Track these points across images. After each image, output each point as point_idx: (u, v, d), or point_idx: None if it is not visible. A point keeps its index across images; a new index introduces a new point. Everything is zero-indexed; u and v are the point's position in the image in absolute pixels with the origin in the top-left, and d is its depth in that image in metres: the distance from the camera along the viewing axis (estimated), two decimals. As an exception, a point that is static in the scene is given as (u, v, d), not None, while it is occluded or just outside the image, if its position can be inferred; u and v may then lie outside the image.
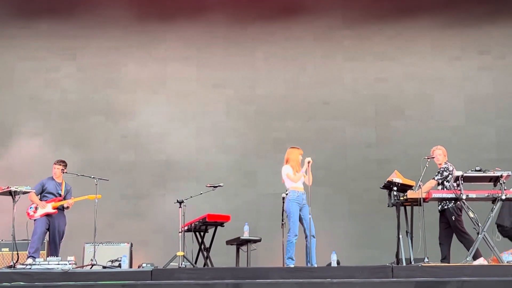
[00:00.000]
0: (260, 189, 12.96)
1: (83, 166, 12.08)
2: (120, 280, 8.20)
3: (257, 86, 13.50)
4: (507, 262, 8.85)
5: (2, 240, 11.04)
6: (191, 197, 10.18)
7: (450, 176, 9.56)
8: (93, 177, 10.11)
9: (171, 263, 9.93)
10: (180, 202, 9.99)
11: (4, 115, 13.29)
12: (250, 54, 13.58)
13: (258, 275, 8.25)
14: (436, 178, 9.61)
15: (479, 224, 9.02)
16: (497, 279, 8.00)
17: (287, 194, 9.42)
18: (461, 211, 9.47)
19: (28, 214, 10.11)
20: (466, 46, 13.53)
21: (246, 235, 10.37)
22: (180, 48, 13.61)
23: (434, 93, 13.38)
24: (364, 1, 13.71)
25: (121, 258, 9.93)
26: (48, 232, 10.21)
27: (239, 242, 10.61)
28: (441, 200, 9.52)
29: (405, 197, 9.34)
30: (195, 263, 10.50)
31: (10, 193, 9.44)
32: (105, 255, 10.51)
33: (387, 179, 9.42)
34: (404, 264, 9.14)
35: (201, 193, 10.52)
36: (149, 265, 9.51)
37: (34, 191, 9.98)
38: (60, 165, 10.43)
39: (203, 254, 10.65)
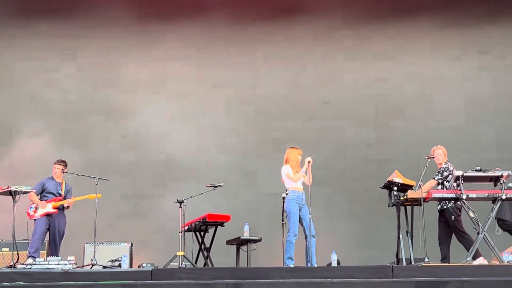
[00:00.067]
0: (260, 189, 12.96)
1: (83, 166, 12.10)
2: (120, 280, 8.20)
3: (257, 86, 13.50)
4: (507, 262, 8.84)
5: (2, 240, 11.04)
6: (191, 197, 10.19)
7: (450, 176, 9.56)
8: (93, 177, 10.12)
9: (171, 263, 9.94)
10: (180, 202, 10.00)
11: (4, 115, 13.29)
12: (250, 54, 13.58)
13: (258, 275, 8.25)
14: (436, 178, 9.61)
15: (479, 224, 9.02)
16: (497, 279, 8.00)
17: (287, 194, 9.42)
18: (460, 211, 9.47)
19: (28, 214, 10.11)
20: (466, 46, 13.53)
21: (246, 235, 10.37)
22: (180, 48, 13.61)
23: (434, 93, 13.38)
24: (364, 1, 13.71)
25: (121, 258, 9.94)
26: (48, 232, 10.21)
27: (239, 242, 10.61)
28: (440, 200, 9.52)
29: (405, 197, 9.34)
30: (195, 263, 10.50)
31: (10, 193, 9.44)
32: (105, 255, 10.51)
33: (387, 179, 9.42)
34: (404, 264, 9.14)
35: (201, 193, 10.52)
36: (149, 265, 9.51)
37: (34, 191, 9.98)
38: (60, 165, 10.43)
39: (203, 254, 10.65)
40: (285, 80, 13.49)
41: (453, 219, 9.45)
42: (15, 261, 9.33)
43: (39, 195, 10.20)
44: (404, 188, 9.35)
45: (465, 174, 9.15)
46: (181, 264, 9.52)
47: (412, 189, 9.35)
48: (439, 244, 9.62)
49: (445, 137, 12.45)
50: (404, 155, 12.88)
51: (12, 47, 13.55)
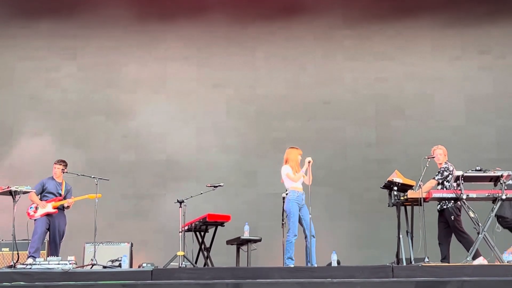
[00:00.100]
0: (260, 189, 12.96)
1: (83, 166, 12.11)
2: (121, 280, 8.19)
3: (257, 86, 13.49)
4: (507, 262, 8.84)
5: (2, 240, 11.04)
6: (192, 197, 10.19)
7: (450, 176, 9.56)
8: (93, 177, 10.12)
9: (171, 263, 9.94)
10: (181, 202, 10.00)
11: (5, 115, 13.29)
12: (250, 53, 13.58)
13: (258, 275, 8.25)
14: (436, 178, 9.61)
15: (479, 224, 9.02)
16: (497, 279, 7.99)
17: (287, 194, 9.42)
18: (460, 211, 9.47)
19: (29, 214, 10.10)
20: (466, 46, 13.53)
21: (246, 235, 10.37)
22: (180, 48, 13.61)
23: (434, 93, 13.38)
24: (364, 1, 13.71)
25: (121, 258, 9.93)
26: (48, 232, 10.21)
27: (240, 242, 10.61)
28: (440, 200, 9.52)
29: (405, 197, 9.34)
30: (196, 263, 10.50)
31: (10, 193, 9.44)
32: (106, 255, 10.51)
33: (388, 179, 9.42)
34: (405, 264, 9.14)
35: (202, 193, 10.52)
36: (149, 265, 9.51)
37: (34, 191, 9.98)
38: (61, 164, 10.42)
39: (203, 254, 10.65)
40: (285, 80, 13.50)
41: (452, 219, 9.46)
42: (15, 261, 9.33)
43: (39, 195, 10.20)
44: (404, 188, 9.35)
45: (465, 174, 9.15)
46: (181, 264, 9.52)
47: (412, 189, 9.35)
48: (439, 244, 9.62)
49: (445, 137, 12.44)
50: (404, 155, 12.88)
51: (12, 47, 13.55)
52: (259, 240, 10.55)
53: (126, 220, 12.76)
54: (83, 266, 10.10)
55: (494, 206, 9.14)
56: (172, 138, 13.29)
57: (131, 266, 10.71)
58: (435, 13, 13.59)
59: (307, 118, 13.34)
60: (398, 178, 9.35)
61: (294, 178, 9.40)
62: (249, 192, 13.00)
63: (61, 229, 10.24)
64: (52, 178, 10.40)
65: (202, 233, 10.76)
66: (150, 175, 13.11)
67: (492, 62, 13.45)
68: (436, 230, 9.71)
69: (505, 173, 9.17)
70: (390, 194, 9.47)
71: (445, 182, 9.62)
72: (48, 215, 10.10)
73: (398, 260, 9.33)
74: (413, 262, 9.18)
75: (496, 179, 9.22)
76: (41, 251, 10.21)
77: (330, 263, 9.98)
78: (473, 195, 9.18)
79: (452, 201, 9.42)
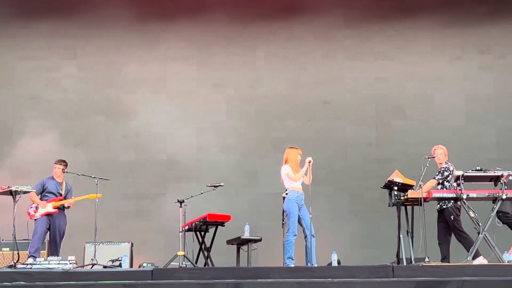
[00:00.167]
0: (260, 188, 12.96)
1: (83, 166, 12.09)
2: (121, 279, 8.20)
3: (258, 85, 13.50)
4: (507, 262, 8.84)
5: (2, 240, 11.02)
6: (192, 196, 10.18)
7: (450, 176, 9.56)
8: (94, 177, 10.11)
9: (171, 263, 9.93)
10: (181, 202, 9.99)
11: (5, 115, 13.29)
12: (250, 53, 13.58)
13: (258, 274, 8.25)
14: (437, 178, 9.61)
15: (480, 224, 9.02)
16: (497, 279, 8.00)
17: (286, 194, 9.42)
18: (459, 210, 9.47)
19: (29, 213, 10.10)
20: (467, 45, 13.53)
21: (246, 235, 10.37)
22: (180, 48, 13.61)
23: (435, 93, 13.38)
24: (364, 1, 13.71)
25: (121, 257, 9.91)
26: (48, 232, 10.20)
27: (240, 242, 10.61)
28: (440, 199, 9.52)
29: (405, 197, 9.34)
30: (196, 262, 10.51)
31: (10, 192, 9.43)
32: (106, 254, 10.49)
33: (388, 179, 9.42)
34: (405, 263, 9.13)
35: (202, 193, 10.51)
36: (149, 264, 9.49)
37: (35, 190, 9.97)
38: (61, 164, 10.42)
39: (203, 254, 10.65)
40: (285, 79, 13.50)
41: (452, 219, 9.46)
42: (15, 261, 9.33)
43: (40, 195, 10.20)
44: (404, 188, 9.35)
45: (466, 174, 9.15)
46: (182, 264, 9.51)
47: (413, 189, 9.35)
48: (439, 244, 9.62)
49: (446, 137, 12.43)
50: (404, 154, 12.88)
51: (13, 47, 13.54)
52: (260, 240, 10.55)
53: (126, 220, 12.76)
54: (83, 266, 10.10)
55: (494, 206, 9.14)
56: (173, 138, 13.29)
57: (131, 266, 10.70)
58: (435, 13, 13.59)
59: (307, 118, 13.34)
60: (398, 178, 9.35)
61: (294, 178, 9.40)
62: (250, 192, 13.00)
63: (61, 229, 10.23)
64: (53, 178, 10.39)
65: (203, 233, 10.76)
66: (150, 175, 13.11)
67: (492, 62, 13.46)
68: (436, 230, 9.71)
69: (505, 173, 9.17)
70: (390, 194, 9.47)
71: (445, 182, 9.62)
72: (48, 215, 10.10)
73: (399, 260, 9.33)
74: (413, 262, 9.18)
75: (496, 179, 9.22)
76: (41, 251, 10.20)
77: (331, 263, 9.97)
78: (473, 195, 9.19)
79: (452, 201, 9.42)
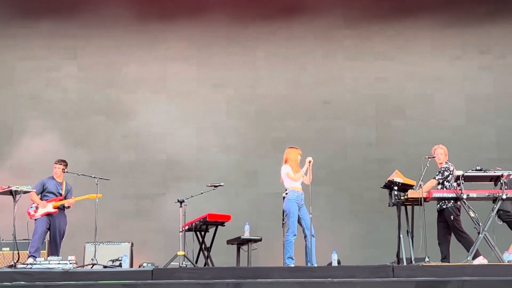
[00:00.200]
0: (260, 188, 12.96)
1: (83, 166, 12.09)
2: (121, 279, 8.19)
3: (258, 85, 13.50)
4: (507, 262, 8.84)
5: (3, 240, 11.02)
6: (192, 196, 10.18)
7: (450, 176, 9.56)
8: (94, 177, 10.12)
9: (171, 263, 9.94)
10: (181, 202, 9.99)
11: (5, 115, 13.29)
12: (250, 53, 13.59)
13: (259, 274, 8.25)
14: (437, 178, 9.61)
15: (480, 224, 9.02)
16: (497, 279, 8.00)
17: (286, 194, 9.43)
18: (459, 210, 9.47)
19: (29, 213, 10.10)
20: (467, 45, 13.54)
21: (246, 235, 10.37)
22: (180, 48, 13.61)
23: (435, 93, 13.39)
24: (364, 1, 13.71)
25: (121, 257, 9.92)
26: (48, 232, 10.20)
27: (240, 242, 10.61)
28: (441, 199, 9.52)
29: (405, 197, 9.34)
30: (196, 262, 10.51)
31: (10, 192, 9.43)
32: (106, 254, 10.50)
33: (388, 179, 9.42)
34: (405, 263, 9.13)
35: (202, 193, 10.51)
36: (149, 264, 9.50)
37: (35, 190, 9.97)
38: (61, 164, 10.42)
39: (203, 254, 10.65)
40: (285, 79, 13.50)
41: (452, 218, 9.46)
42: (15, 261, 9.33)
43: (40, 195, 10.20)
44: (404, 187, 9.35)
45: (466, 174, 9.15)
46: (182, 264, 9.51)
47: (413, 188, 9.35)
48: (439, 244, 9.61)
49: (446, 137, 12.43)
50: (404, 154, 12.88)
51: (13, 47, 13.54)
52: (260, 240, 10.55)
53: (126, 220, 12.76)
54: (83, 266, 10.10)
55: (495, 206, 9.14)
56: (173, 138, 13.30)
57: (131, 265, 10.71)
58: (435, 13, 13.60)
59: (307, 118, 13.34)
60: (398, 178, 9.35)
61: (294, 178, 9.40)
62: (250, 192, 13.01)
63: (61, 229, 10.23)
64: (53, 178, 10.39)
65: (203, 233, 10.76)
66: (150, 175, 13.11)
67: (492, 62, 13.46)
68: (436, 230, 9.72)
69: (505, 173, 9.17)
70: (390, 194, 9.47)
71: (445, 182, 9.62)
72: (48, 214, 10.10)
73: (399, 260, 9.33)
74: (413, 262, 9.18)
75: (496, 179, 9.22)
76: (41, 251, 10.20)
77: (331, 263, 9.98)
78: (473, 194, 9.19)
79: (452, 201, 9.43)
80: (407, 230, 9.43)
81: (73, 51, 13.55)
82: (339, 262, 10.06)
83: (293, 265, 9.03)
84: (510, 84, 13.33)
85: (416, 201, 9.24)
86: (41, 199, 10.17)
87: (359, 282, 8.04)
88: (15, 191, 9.39)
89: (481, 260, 8.97)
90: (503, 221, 9.78)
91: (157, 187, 13.05)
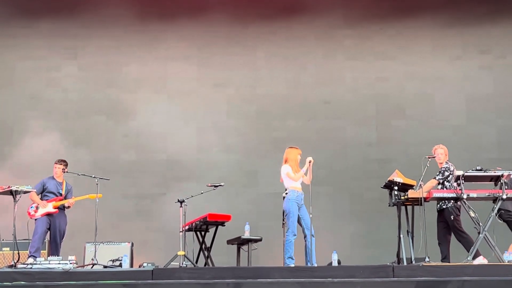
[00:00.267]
0: (261, 188, 12.96)
1: (84, 166, 12.08)
2: (121, 279, 8.19)
3: (258, 85, 13.50)
4: (508, 262, 8.84)
5: (3, 240, 10.99)
6: (192, 196, 10.18)
7: (451, 176, 9.56)
8: (94, 177, 10.11)
9: (172, 263, 9.94)
10: (181, 202, 9.99)
11: (5, 115, 13.29)
12: (251, 53, 13.59)
13: (259, 274, 8.25)
14: (437, 178, 9.61)
15: (480, 224, 9.01)
16: (498, 279, 7.99)
17: (286, 194, 9.42)
18: (459, 210, 9.47)
19: (29, 213, 10.11)
20: (467, 45, 13.54)
21: (247, 235, 10.36)
22: (181, 48, 13.62)
23: (435, 93, 13.39)
24: (364, 1, 13.72)
25: (122, 257, 9.92)
26: (49, 232, 10.20)
27: (240, 242, 10.60)
28: (441, 199, 9.52)
29: (406, 197, 9.34)
30: (196, 262, 10.51)
31: (11, 192, 9.43)
32: (106, 254, 10.49)
33: (388, 179, 9.41)
34: (405, 263, 9.13)
35: (202, 193, 10.51)
36: (150, 264, 9.50)
37: (35, 190, 9.97)
38: (61, 164, 10.42)
39: (204, 254, 10.65)
40: (286, 79, 13.50)
41: (452, 218, 9.45)
42: (16, 261, 9.34)
43: (40, 195, 10.20)
44: (404, 187, 9.35)
45: (466, 174, 9.15)
46: (182, 264, 9.51)
47: (413, 188, 9.35)
48: (439, 244, 9.61)
49: (446, 137, 12.43)
50: (404, 154, 12.88)
51: (13, 47, 13.55)
52: (260, 240, 10.55)
53: (126, 220, 12.77)
54: (83, 266, 10.10)
55: (495, 206, 9.14)
56: (173, 138, 13.30)
57: (131, 265, 10.70)
58: (435, 13, 13.60)
59: (307, 118, 13.35)
60: (398, 177, 9.34)
61: (294, 178, 9.40)
62: (250, 192, 13.01)
63: (61, 229, 10.24)
64: (53, 178, 10.39)
65: (203, 233, 10.76)
66: (150, 175, 13.11)
67: (492, 62, 13.47)
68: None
69: (506, 173, 9.17)
70: (390, 194, 9.47)
71: (445, 182, 9.61)
72: (48, 214, 10.10)
73: (399, 260, 9.32)
74: (413, 262, 9.19)
75: (496, 179, 9.22)
76: (41, 251, 10.20)
77: (331, 263, 9.98)
78: (473, 194, 9.18)
79: (452, 201, 9.42)
80: (407, 230, 9.42)
81: (74, 51, 13.55)
82: (339, 262, 10.06)
83: (293, 265, 9.02)
84: (510, 84, 13.34)
85: (416, 201, 9.24)
86: (41, 199, 10.17)
87: (359, 282, 8.04)
88: (15, 191, 9.39)
89: (481, 260, 8.97)
90: (504, 221, 9.78)
91: (158, 187, 13.05)
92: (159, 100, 13.45)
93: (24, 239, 10.26)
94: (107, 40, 13.56)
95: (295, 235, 9.22)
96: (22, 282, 8.11)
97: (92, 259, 9.64)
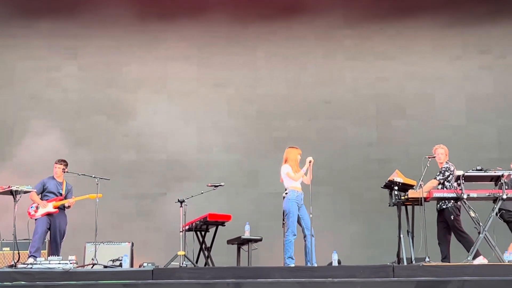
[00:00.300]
0: (261, 188, 12.96)
1: (84, 166, 12.08)
2: (121, 279, 8.20)
3: (258, 85, 13.50)
4: (508, 262, 8.84)
5: (3, 240, 11.02)
6: (192, 196, 10.18)
7: (451, 176, 9.56)
8: (94, 177, 10.11)
9: (172, 263, 9.94)
10: (181, 202, 9.99)
11: (5, 115, 13.29)
12: (251, 53, 13.59)
13: (259, 274, 8.25)
14: (438, 178, 9.61)
15: (480, 224, 9.01)
16: (498, 279, 8.00)
17: (286, 194, 9.42)
18: (459, 210, 9.47)
19: (29, 213, 10.11)
20: (467, 45, 13.54)
21: (247, 235, 10.35)
22: (181, 48, 13.62)
23: (435, 93, 13.39)
24: (365, 1, 13.72)
25: (122, 257, 9.92)
26: (49, 232, 10.20)
27: (240, 242, 10.60)
28: (441, 199, 9.52)
29: (406, 197, 9.34)
30: (196, 262, 10.50)
31: (11, 192, 9.43)
32: (106, 254, 10.49)
33: (388, 179, 9.42)
34: (405, 263, 9.14)
35: (202, 193, 10.51)
36: (150, 264, 9.49)
37: (35, 190, 9.97)
38: (61, 164, 10.42)
39: (204, 254, 10.64)
40: (286, 79, 13.50)
41: (452, 218, 9.45)
42: (16, 261, 9.34)
43: (40, 195, 10.20)
44: (405, 187, 9.35)
45: (466, 174, 9.15)
46: (182, 264, 9.51)
47: (413, 188, 9.35)
48: (439, 244, 9.61)
49: (446, 137, 12.44)
50: (405, 154, 12.88)
51: (13, 47, 13.54)
52: (260, 240, 10.54)
53: (127, 220, 12.77)
54: (84, 266, 10.10)
55: (495, 206, 9.14)
56: (173, 138, 13.30)
57: (132, 265, 10.70)
58: (435, 13, 13.60)
59: (308, 118, 13.35)
60: (398, 177, 9.35)
61: (294, 177, 9.40)
62: (250, 192, 13.01)
63: (61, 229, 10.24)
64: (53, 178, 10.39)
65: (203, 233, 10.75)
66: (151, 175, 13.11)
67: (492, 62, 13.47)
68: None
69: (506, 173, 9.18)
70: (390, 194, 9.47)
71: (445, 182, 9.62)
72: (49, 214, 10.10)
73: (399, 260, 9.32)
74: (413, 262, 9.19)
75: (497, 179, 9.22)
76: (42, 251, 10.20)
77: (331, 263, 9.98)
78: (474, 194, 9.19)
79: (452, 201, 9.42)
80: (408, 230, 9.43)
81: (74, 51, 13.55)
82: (339, 262, 10.05)
83: (293, 265, 9.02)
84: (510, 84, 13.34)
85: (417, 201, 9.24)
86: (41, 199, 10.17)
87: (360, 282, 8.04)
88: (16, 191, 9.39)
89: (481, 260, 8.97)
90: (505, 221, 9.78)
91: (158, 187, 13.05)
92: (159, 100, 13.45)
93: (24, 239, 10.26)
94: (107, 40, 13.56)
95: (295, 235, 9.22)
96: (22, 282, 8.11)
97: (92, 259, 9.64)
